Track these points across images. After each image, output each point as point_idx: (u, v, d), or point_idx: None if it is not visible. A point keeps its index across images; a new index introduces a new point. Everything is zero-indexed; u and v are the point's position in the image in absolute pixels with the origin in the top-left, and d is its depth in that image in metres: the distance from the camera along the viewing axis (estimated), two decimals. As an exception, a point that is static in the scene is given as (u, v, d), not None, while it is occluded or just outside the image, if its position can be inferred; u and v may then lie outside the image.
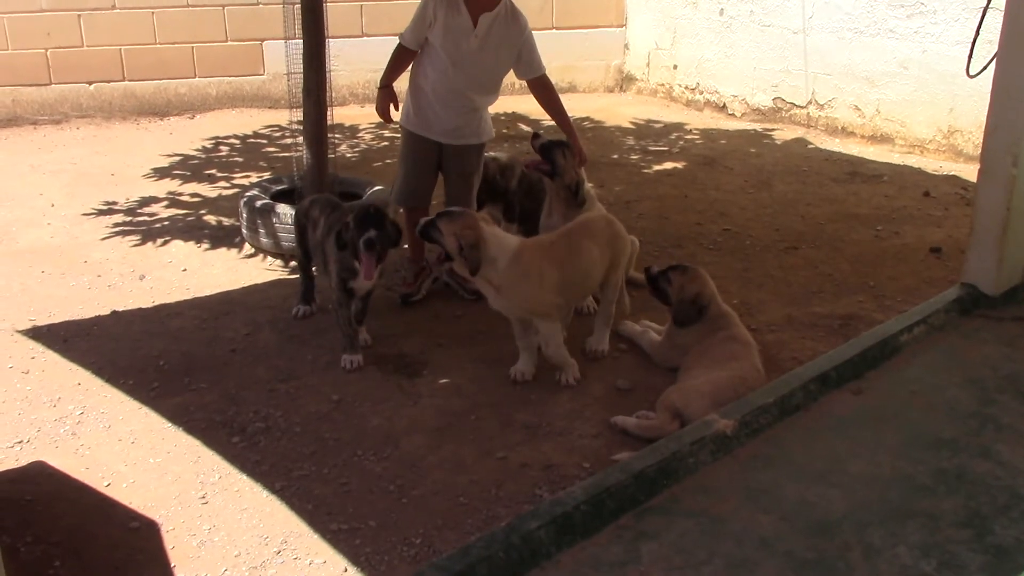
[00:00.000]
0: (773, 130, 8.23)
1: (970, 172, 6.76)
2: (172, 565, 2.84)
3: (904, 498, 3.00)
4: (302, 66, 5.37)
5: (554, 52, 9.57)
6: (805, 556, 2.72)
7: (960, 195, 6.29)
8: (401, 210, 4.81)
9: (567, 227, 4.21)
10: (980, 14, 4.74)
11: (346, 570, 2.82)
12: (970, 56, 4.81)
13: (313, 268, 4.50)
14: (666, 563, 2.69)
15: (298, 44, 5.38)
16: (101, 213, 6.04)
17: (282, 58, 5.69)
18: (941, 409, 3.55)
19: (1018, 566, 2.68)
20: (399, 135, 7.67)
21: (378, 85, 4.67)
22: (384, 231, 3.91)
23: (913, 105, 7.45)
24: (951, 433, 3.37)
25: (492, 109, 4.79)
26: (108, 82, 8.65)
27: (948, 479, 3.10)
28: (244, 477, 3.28)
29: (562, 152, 4.58)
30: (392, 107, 4.68)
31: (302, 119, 5.46)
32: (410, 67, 4.64)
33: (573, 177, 4.61)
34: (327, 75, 5.42)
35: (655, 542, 2.79)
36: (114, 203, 6.24)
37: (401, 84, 4.67)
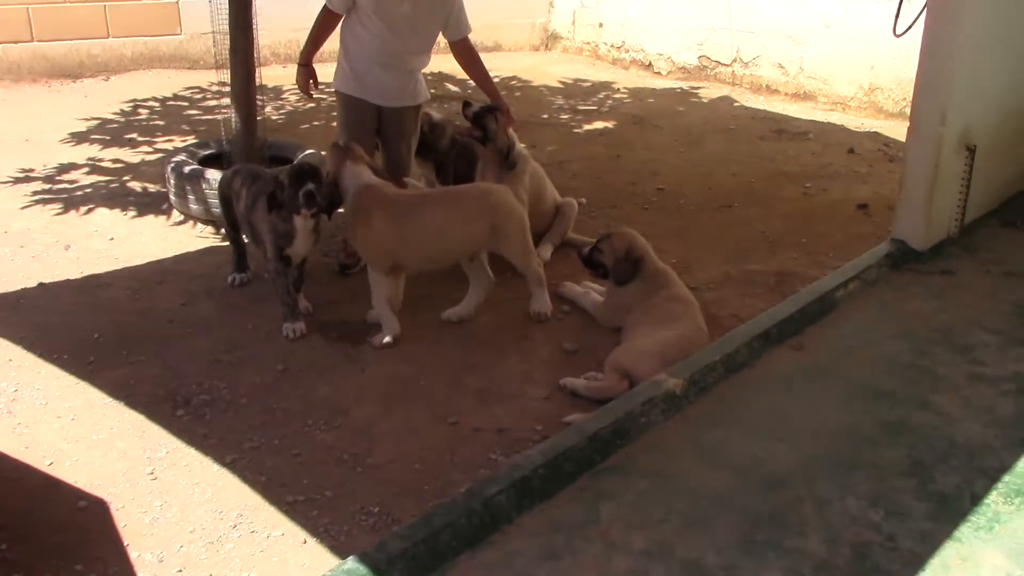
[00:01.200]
0: (699, 88, 8.30)
1: (891, 129, 6.96)
2: (125, 543, 2.78)
3: (850, 450, 3.10)
4: (228, 25, 5.20)
5: (479, 10, 9.43)
6: (759, 510, 2.79)
7: (883, 152, 6.44)
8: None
9: (434, 189, 4.35)
10: (906, -26, 4.85)
11: (305, 541, 2.79)
12: (897, 15, 4.91)
13: (243, 236, 4.41)
14: (625, 522, 2.74)
15: (222, 2, 5.21)
16: (18, 181, 5.80)
17: (200, 17, 5.53)
18: (879, 362, 3.66)
19: (959, 512, 2.80)
20: (325, 98, 7.60)
21: (298, 62, 4.57)
22: (319, 185, 3.82)
23: (835, 63, 7.59)
24: (890, 385, 3.49)
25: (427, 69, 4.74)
26: (16, 43, 8.26)
27: (890, 430, 3.21)
28: (193, 451, 3.21)
29: (494, 117, 4.60)
30: (312, 83, 4.59)
31: (229, 80, 5.30)
32: (338, 30, 4.53)
33: (505, 141, 4.61)
34: (254, 34, 5.26)
35: (613, 502, 2.83)
36: (31, 170, 6.00)
37: (330, 45, 4.57)
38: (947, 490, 2.89)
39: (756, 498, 2.84)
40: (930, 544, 2.65)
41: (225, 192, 4.33)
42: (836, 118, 7.38)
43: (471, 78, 4.77)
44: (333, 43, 4.57)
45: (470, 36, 4.62)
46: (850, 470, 2.98)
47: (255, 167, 4.49)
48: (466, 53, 4.62)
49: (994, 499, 2.85)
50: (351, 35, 4.47)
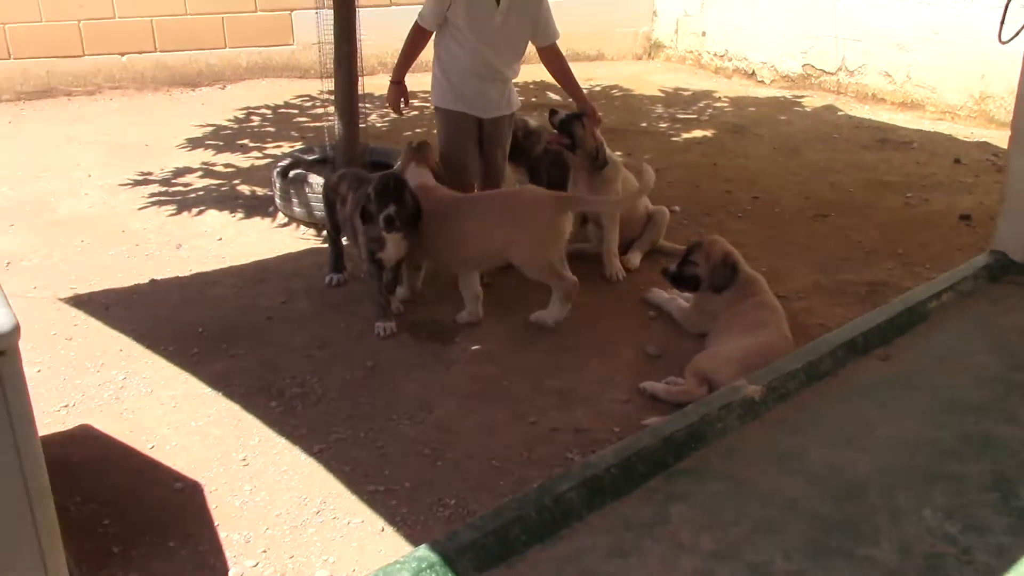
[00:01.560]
0: (803, 97, 8.19)
1: (1002, 139, 6.71)
2: (216, 524, 2.94)
3: (930, 462, 3.05)
4: (333, 36, 5.41)
5: (583, 20, 9.59)
6: (832, 518, 2.77)
7: (991, 162, 6.25)
8: None
9: (478, 193, 4.59)
10: (1013, -21, 4.71)
11: (383, 529, 2.91)
12: (1002, 22, 4.77)
13: (343, 239, 4.58)
14: (694, 524, 2.76)
15: (329, 14, 5.42)
16: (137, 183, 6.14)
17: (311, 28, 5.75)
18: (968, 374, 3.58)
19: (1042, 528, 2.73)
20: (427, 106, 7.77)
21: (391, 80, 4.66)
22: (403, 204, 3.94)
23: (944, 71, 7.39)
24: (978, 398, 3.41)
25: (519, 79, 4.83)
26: (140, 53, 8.73)
27: (974, 443, 3.14)
28: (283, 440, 3.37)
29: (580, 123, 4.66)
30: (403, 101, 4.73)
31: (333, 89, 5.51)
32: (430, 47, 4.63)
33: (592, 144, 4.66)
34: (358, 45, 5.46)
35: (684, 504, 2.86)
36: (149, 173, 6.34)
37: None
38: (1031, 506, 2.82)
39: (829, 505, 2.83)
40: (1007, 559, 2.59)
41: (330, 195, 4.49)
42: (944, 128, 7.18)
43: (559, 83, 4.86)
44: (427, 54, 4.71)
45: (561, 42, 4.70)
46: (929, 482, 2.93)
47: (361, 171, 4.63)
48: (554, 59, 4.71)
49: (1081, 517, 2.77)
50: (445, 50, 4.57)
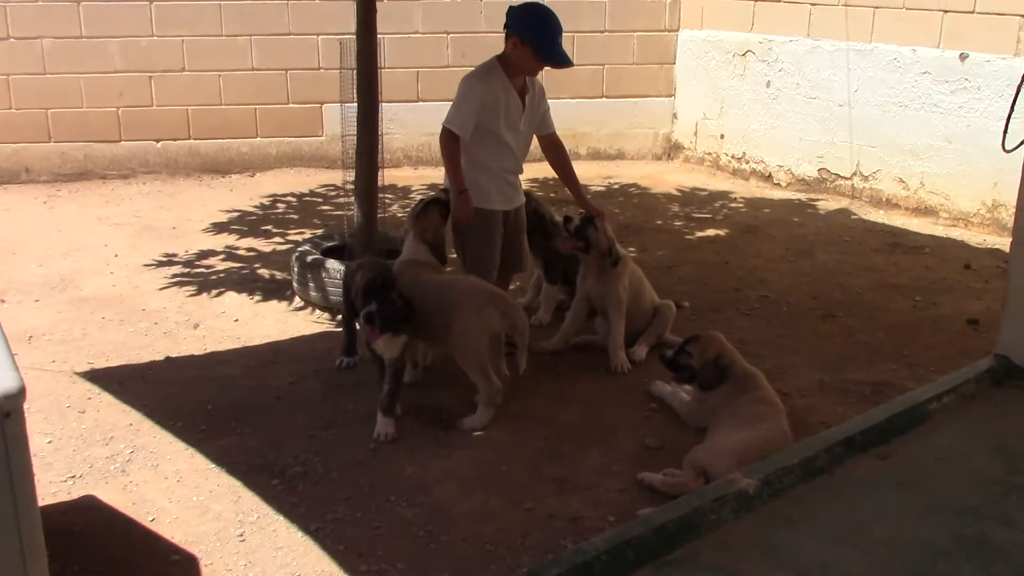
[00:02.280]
0: (818, 200, 8.31)
1: (1013, 246, 6.78)
2: (209, 597, 2.98)
3: (923, 562, 3.03)
4: (356, 128, 5.62)
5: (604, 120, 9.85)
6: (820, 614, 2.77)
7: (1001, 268, 6.29)
8: None
9: (449, 276, 4.62)
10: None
11: (373, 609, 2.93)
12: (1005, 131, 4.89)
13: (357, 324, 4.67)
14: (682, 614, 2.76)
15: (354, 107, 5.64)
16: (161, 264, 6.32)
17: (340, 120, 5.97)
18: (967, 476, 3.58)
19: (1034, 632, 2.71)
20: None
21: (456, 191, 4.54)
22: (387, 303, 3.96)
23: (957, 179, 7.50)
24: (975, 500, 3.40)
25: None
26: (175, 140, 9.04)
27: (969, 544, 3.13)
28: (281, 518, 3.42)
29: (593, 227, 4.78)
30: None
31: (355, 178, 5.70)
32: (464, 149, 4.61)
33: (605, 244, 4.78)
34: (380, 137, 5.66)
35: (672, 594, 2.86)
36: (174, 255, 6.52)
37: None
38: (1023, 609, 2.81)
39: (818, 602, 2.82)
40: (995, 661, 2.57)
41: (348, 283, 4.54)
42: (957, 234, 7.26)
43: (557, 170, 4.97)
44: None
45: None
46: (920, 582, 2.92)
47: (380, 261, 4.73)
48: (555, 146, 4.89)
49: (1072, 622, 2.75)
50: (487, 153, 4.60)
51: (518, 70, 4.54)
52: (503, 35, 4.57)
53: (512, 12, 4.55)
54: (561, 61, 4.52)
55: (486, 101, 4.48)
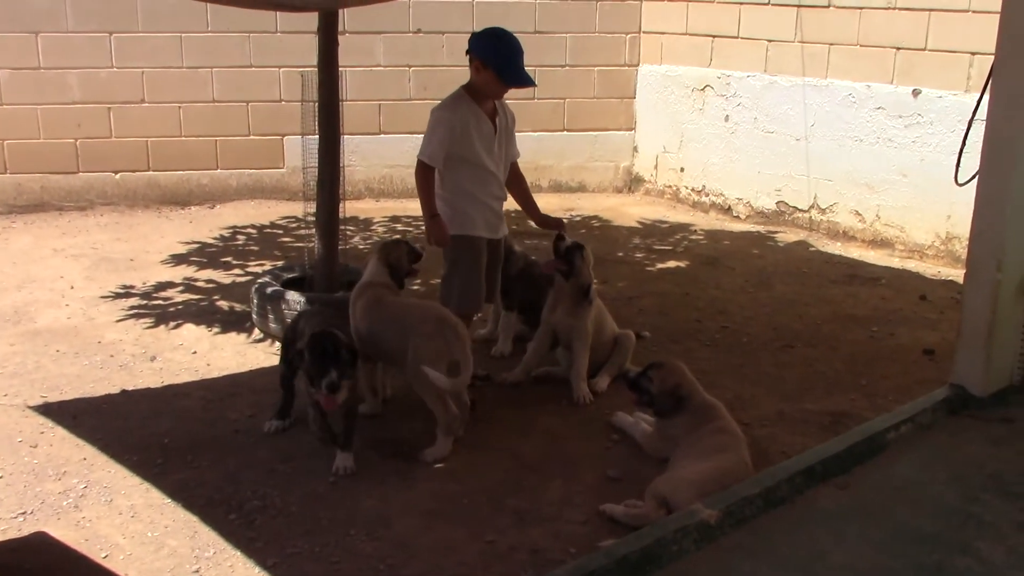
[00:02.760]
0: (776, 232, 8.41)
1: (967, 277, 6.90)
2: (162, 635, 2.91)
3: (882, 590, 3.05)
4: (318, 160, 5.61)
5: (565, 153, 9.92)
6: (781, 644, 2.76)
7: (956, 299, 6.38)
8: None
9: (404, 300, 4.61)
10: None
11: (331, 645, 2.88)
12: (957, 165, 5.00)
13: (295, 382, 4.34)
14: (644, 647, 2.75)
15: (315, 140, 5.64)
16: (118, 296, 6.23)
17: (301, 152, 5.96)
18: (925, 505, 3.61)
19: (992, 660, 2.72)
20: (411, 230, 7.99)
21: (428, 216, 4.56)
22: (341, 363, 3.80)
23: (912, 211, 7.63)
24: (933, 528, 3.43)
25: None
26: (134, 171, 8.95)
27: (927, 573, 3.15)
28: (238, 553, 3.36)
29: (580, 255, 4.78)
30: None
31: (316, 210, 5.68)
32: (444, 178, 4.63)
33: (588, 278, 4.79)
34: (341, 169, 5.65)
35: (634, 626, 2.85)
36: (131, 287, 6.44)
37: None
38: (981, 637, 2.82)
39: (780, 632, 2.82)
40: None
41: (289, 336, 4.27)
42: (912, 266, 7.37)
43: (519, 199, 5.01)
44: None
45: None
46: (881, 610, 2.94)
47: (323, 310, 4.55)
48: (517, 174, 4.95)
49: (1030, 649, 2.77)
50: (470, 180, 4.63)
51: (484, 95, 4.58)
52: (467, 65, 4.61)
53: (473, 37, 4.63)
54: (522, 81, 4.56)
55: (456, 128, 4.51)
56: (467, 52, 4.59)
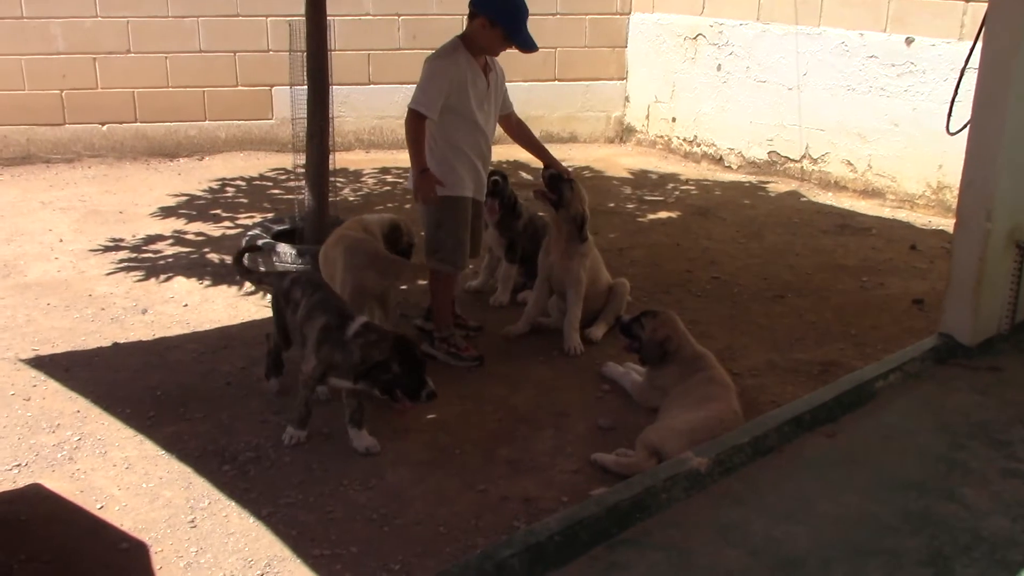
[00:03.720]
0: (768, 183, 8.40)
1: (957, 227, 6.91)
2: (158, 584, 2.95)
3: (869, 537, 3.10)
4: (307, 111, 5.56)
5: (556, 103, 9.86)
6: (769, 589, 2.81)
7: (946, 249, 6.40)
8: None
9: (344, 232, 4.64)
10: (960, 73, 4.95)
11: (326, 593, 2.92)
12: (949, 114, 4.99)
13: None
14: (634, 593, 2.79)
15: (304, 90, 5.58)
16: (107, 249, 6.21)
17: (290, 103, 5.90)
18: (912, 453, 3.65)
19: (975, 603, 2.77)
20: (400, 182, 7.95)
21: (418, 170, 4.37)
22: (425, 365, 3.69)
23: (903, 161, 7.62)
24: (919, 476, 3.47)
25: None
26: (121, 123, 8.87)
27: (913, 520, 3.19)
28: (233, 504, 3.39)
29: (569, 187, 4.74)
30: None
31: (305, 161, 5.64)
32: (434, 132, 4.48)
33: (579, 210, 4.75)
34: (330, 120, 5.60)
35: (625, 573, 2.89)
36: (121, 240, 6.41)
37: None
38: (965, 581, 2.87)
39: (767, 577, 2.87)
40: (938, 632, 2.63)
41: (280, 301, 4.06)
42: (903, 215, 7.38)
43: (524, 144, 4.91)
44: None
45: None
46: (867, 556, 2.98)
47: (315, 276, 4.37)
48: (518, 123, 4.86)
49: (1013, 593, 2.82)
50: (461, 134, 4.49)
51: (481, 50, 4.49)
52: (458, 15, 4.51)
53: None
54: (529, 45, 4.44)
55: (454, 80, 4.37)
56: (471, 5, 4.47)
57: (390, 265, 4.49)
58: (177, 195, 7.61)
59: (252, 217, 6.94)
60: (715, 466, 3.41)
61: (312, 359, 3.74)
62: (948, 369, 4.38)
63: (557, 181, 4.71)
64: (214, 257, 6.08)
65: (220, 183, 8.05)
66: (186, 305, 5.28)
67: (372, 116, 9.10)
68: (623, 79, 10.01)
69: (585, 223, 4.76)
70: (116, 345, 4.73)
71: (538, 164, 4.93)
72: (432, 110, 4.34)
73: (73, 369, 4.44)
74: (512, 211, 5.26)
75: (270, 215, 6.81)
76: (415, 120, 4.36)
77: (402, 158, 8.31)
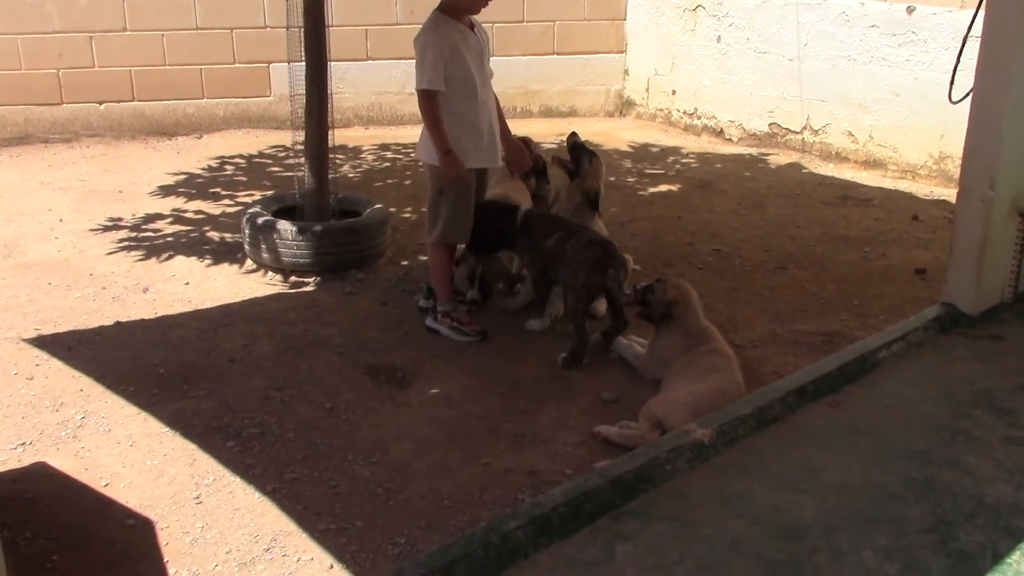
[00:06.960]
0: (769, 155, 8.36)
1: (959, 197, 6.89)
2: (165, 560, 2.96)
3: (873, 505, 3.10)
4: (305, 88, 5.53)
5: (555, 77, 9.79)
6: (774, 558, 2.82)
7: (948, 219, 6.38)
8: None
9: None
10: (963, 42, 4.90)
11: (332, 567, 2.93)
12: (951, 83, 4.95)
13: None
14: (639, 563, 2.80)
15: (302, 67, 5.54)
16: (107, 229, 6.19)
17: (288, 80, 5.86)
18: (915, 422, 3.65)
19: (979, 570, 2.78)
20: (400, 158, 7.92)
21: (441, 151, 4.35)
22: None
23: (905, 131, 7.59)
24: (923, 445, 3.48)
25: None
26: (118, 102, 8.83)
27: (917, 488, 3.20)
28: (237, 479, 3.40)
29: (589, 159, 4.73)
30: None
31: (304, 139, 5.61)
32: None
33: (593, 185, 4.75)
34: (329, 96, 5.57)
35: (629, 543, 2.89)
36: (120, 219, 6.39)
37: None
38: (968, 548, 2.88)
39: (772, 546, 2.87)
40: (943, 598, 2.64)
41: (542, 258, 4.52)
42: (905, 186, 7.36)
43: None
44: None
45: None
46: (871, 524, 2.99)
47: (553, 216, 4.77)
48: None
49: (1017, 559, 2.83)
50: (464, 104, 4.45)
51: (461, 10, 4.43)
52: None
53: None
54: None
55: (445, 47, 4.33)
56: None
57: None
58: (176, 174, 7.58)
59: (252, 195, 6.91)
60: (718, 437, 3.41)
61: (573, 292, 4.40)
62: (951, 338, 4.37)
63: (579, 151, 4.72)
64: (215, 235, 6.07)
65: (219, 161, 8.02)
66: (187, 283, 5.28)
67: (370, 92, 9.03)
68: (622, 52, 9.94)
69: (599, 197, 4.77)
70: (118, 324, 4.73)
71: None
72: (437, 82, 4.33)
73: (75, 348, 4.44)
74: (541, 189, 5.08)
75: (270, 193, 6.78)
76: (427, 100, 4.34)
77: (401, 134, 8.32)
